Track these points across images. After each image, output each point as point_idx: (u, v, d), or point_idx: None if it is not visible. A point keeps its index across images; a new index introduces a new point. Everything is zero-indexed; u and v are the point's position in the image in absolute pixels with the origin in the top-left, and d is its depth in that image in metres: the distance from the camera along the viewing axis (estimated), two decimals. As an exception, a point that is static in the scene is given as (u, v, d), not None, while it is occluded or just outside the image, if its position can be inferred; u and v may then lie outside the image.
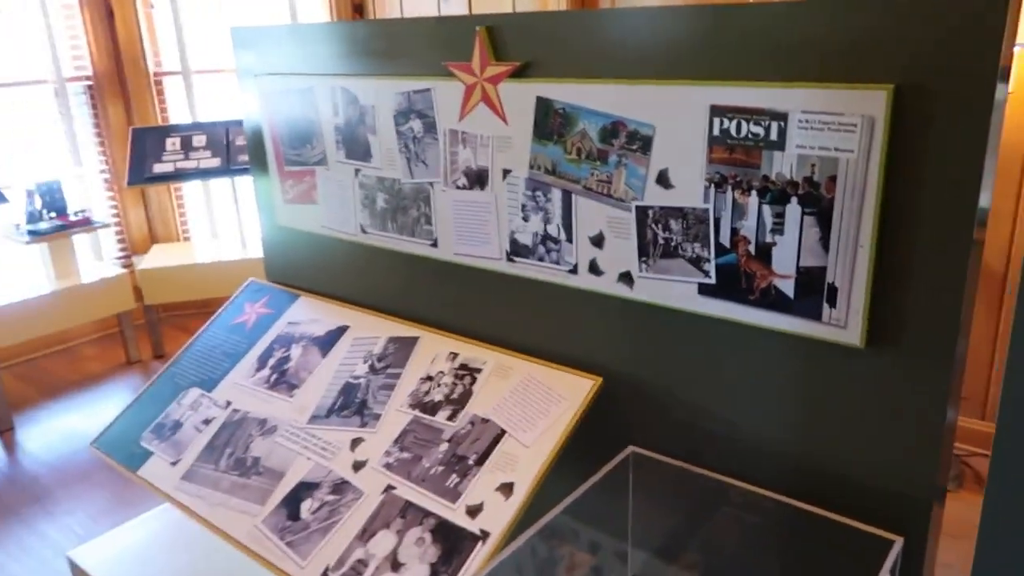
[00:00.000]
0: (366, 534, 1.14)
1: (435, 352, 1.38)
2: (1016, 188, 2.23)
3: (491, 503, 1.11)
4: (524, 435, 1.19)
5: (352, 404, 1.35)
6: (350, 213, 1.51)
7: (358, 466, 1.24)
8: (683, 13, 1.06)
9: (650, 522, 1.24)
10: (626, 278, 1.19)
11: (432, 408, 1.28)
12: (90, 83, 3.72)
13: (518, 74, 1.21)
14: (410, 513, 1.14)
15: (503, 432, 1.20)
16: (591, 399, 1.22)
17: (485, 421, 1.23)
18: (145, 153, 3.50)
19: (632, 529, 1.25)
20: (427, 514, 1.13)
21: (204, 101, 3.91)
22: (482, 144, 1.28)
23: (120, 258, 3.91)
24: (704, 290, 1.12)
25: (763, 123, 1.01)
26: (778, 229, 1.04)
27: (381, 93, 1.38)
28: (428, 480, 1.17)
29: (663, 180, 1.12)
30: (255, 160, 1.69)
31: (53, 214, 3.26)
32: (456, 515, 1.11)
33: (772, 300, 1.07)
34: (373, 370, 1.39)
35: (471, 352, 1.35)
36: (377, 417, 1.30)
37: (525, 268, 1.30)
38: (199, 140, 3.58)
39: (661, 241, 1.14)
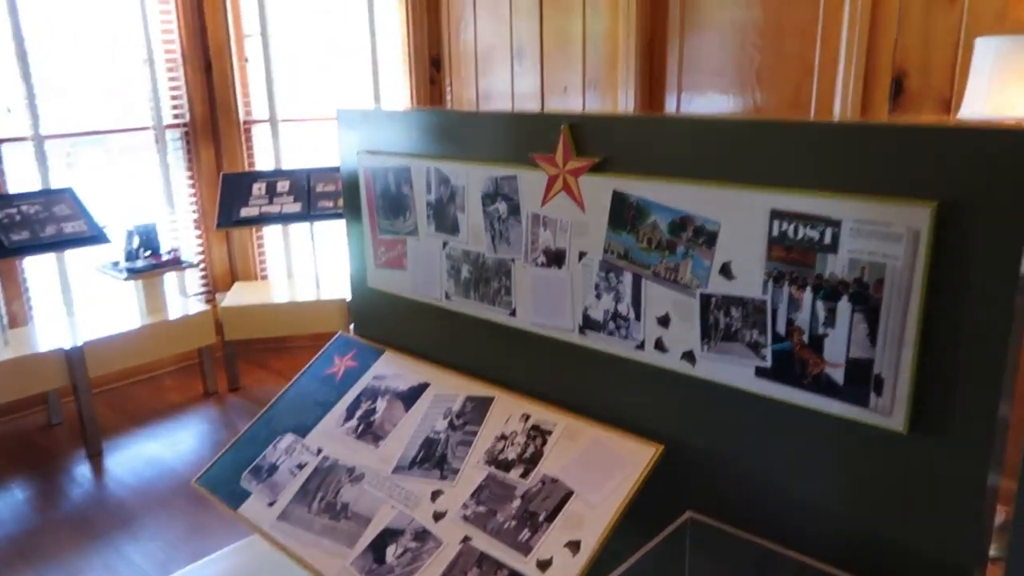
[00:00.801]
0: (445, 579, 1.26)
1: (509, 412, 1.51)
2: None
3: (560, 559, 1.23)
4: (591, 495, 1.31)
5: (432, 457, 1.48)
6: (436, 280, 1.67)
7: (438, 516, 1.37)
8: (747, 125, 1.19)
9: (704, 583, 1.33)
10: (689, 356, 1.31)
11: (506, 465, 1.41)
12: (186, 130, 4.03)
13: (597, 169, 1.36)
14: (486, 564, 1.26)
15: (571, 492, 1.32)
16: (653, 465, 1.33)
17: (555, 481, 1.35)
18: (233, 197, 3.76)
19: (687, 588, 1.34)
20: (501, 566, 1.25)
21: (289, 147, 4.18)
22: (561, 228, 1.43)
23: (203, 293, 4.17)
24: (760, 372, 1.23)
25: (818, 228, 1.13)
26: (830, 323, 1.15)
27: (471, 176, 1.54)
28: (502, 533, 1.30)
29: (726, 271, 1.24)
30: (351, 225, 1.86)
31: (148, 252, 3.53)
32: (528, 567, 1.23)
33: (823, 386, 1.17)
34: (452, 426, 1.53)
35: (543, 415, 1.48)
36: (456, 471, 1.44)
37: (595, 341, 1.43)
38: (283, 186, 3.83)
39: (722, 326, 1.26)
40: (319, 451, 1.60)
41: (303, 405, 1.73)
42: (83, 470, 3.10)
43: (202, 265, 4.15)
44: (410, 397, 1.63)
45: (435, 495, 1.41)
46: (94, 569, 2.48)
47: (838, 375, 1.15)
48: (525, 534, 1.28)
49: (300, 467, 1.57)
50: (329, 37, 4.12)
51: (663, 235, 1.30)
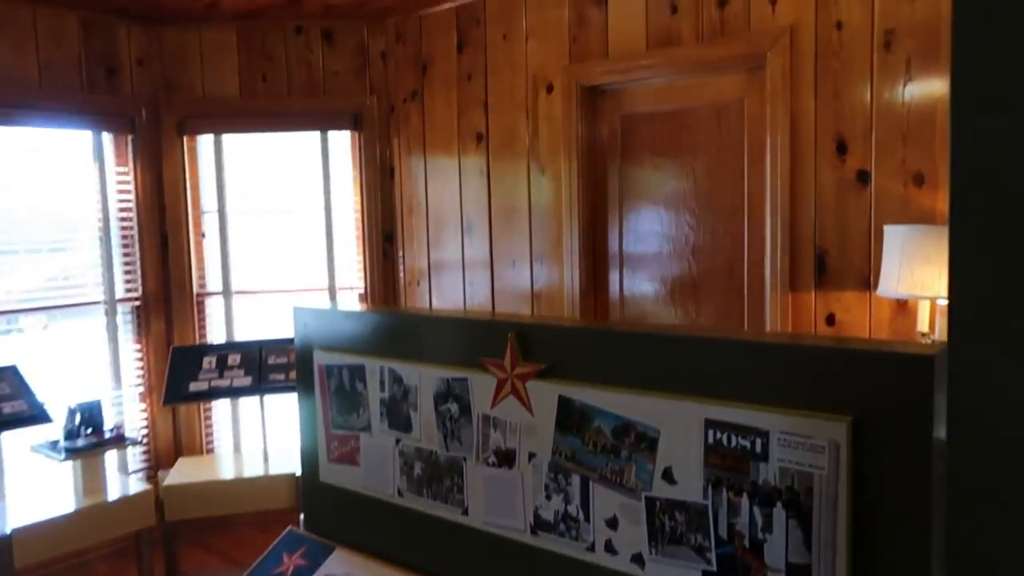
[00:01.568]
0: None
1: (463, 616, 1.49)
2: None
3: None
4: None
5: (384, 669, 1.45)
6: (389, 477, 1.69)
7: None
8: (682, 340, 1.30)
9: None
10: (638, 559, 1.34)
11: (460, 677, 1.38)
12: (138, 303, 4.05)
13: (543, 374, 1.44)
14: None
15: None
16: (608, 673, 1.32)
17: None
18: (182, 371, 3.74)
19: None
20: None
21: (242, 318, 4.22)
22: (511, 429, 1.48)
23: (145, 470, 4.04)
24: None
25: (749, 438, 1.21)
26: (768, 528, 1.20)
27: (424, 376, 1.61)
28: None
29: (668, 476, 1.30)
30: (304, 420, 1.89)
31: (90, 430, 3.44)
32: None
33: (768, 590, 1.21)
34: (405, 633, 1.50)
35: (496, 619, 1.47)
36: None
37: (547, 541, 1.45)
38: (234, 359, 3.83)
39: (668, 529, 1.30)
40: (265, 664, 1.54)
41: (250, 611, 1.67)
42: (0, 675, 2.85)
43: (146, 440, 4.05)
44: (361, 601, 1.60)
45: None
46: None
47: (780, 579, 1.20)
48: None
49: None
50: (285, 212, 4.29)
51: (608, 439, 1.36)
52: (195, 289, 4.15)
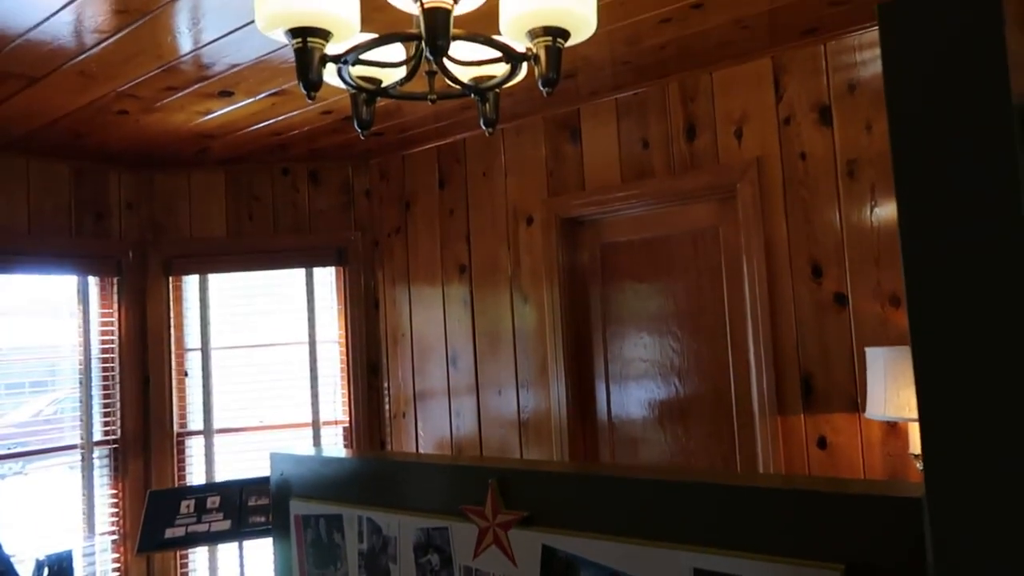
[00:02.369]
0: None
1: None
2: None
3: None
4: None
5: None
6: (368, 637, 1.60)
7: None
8: (670, 486, 1.26)
9: None
10: None
11: None
12: (115, 446, 3.95)
13: (526, 522, 1.39)
14: None
15: None
16: None
17: None
18: (158, 516, 3.59)
19: None
20: None
21: (223, 457, 4.11)
22: (494, 583, 1.42)
23: (115, 626, 3.81)
24: None
25: (742, 588, 1.16)
26: None
27: (403, 526, 1.55)
28: None
29: (660, 631, 1.23)
30: (280, 573, 1.80)
31: (58, 585, 3.26)
32: None
33: None
34: None
35: None
36: None
37: None
38: (213, 502, 3.70)
39: None
40: None
41: None
42: None
43: (118, 591, 3.84)
44: None
45: None
46: None
47: None
48: None
49: None
50: (269, 347, 4.27)
51: (595, 591, 1.30)
52: (175, 428, 4.07)
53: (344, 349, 4.24)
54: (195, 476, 4.09)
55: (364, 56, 1.39)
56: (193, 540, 3.52)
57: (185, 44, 2.47)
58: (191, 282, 4.17)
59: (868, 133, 2.72)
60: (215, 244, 4.12)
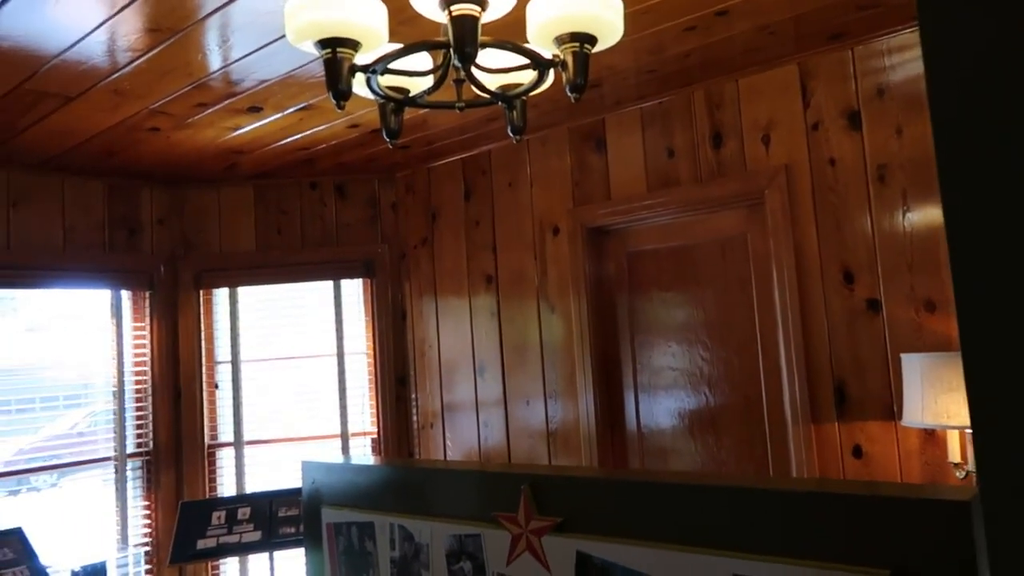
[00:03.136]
0: None
1: None
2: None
3: None
4: None
5: None
6: (401, 646, 1.59)
7: None
8: (707, 490, 1.25)
9: None
10: None
11: None
12: (148, 458, 4.00)
13: (560, 528, 1.38)
14: None
15: None
16: None
17: None
18: (190, 528, 3.63)
19: None
20: None
21: (253, 468, 4.14)
22: (528, 590, 1.41)
23: (148, 637, 3.84)
24: None
25: (782, 595, 1.14)
26: None
27: (435, 533, 1.55)
28: None
29: (698, 639, 1.21)
30: (311, 582, 1.80)
31: (93, 596, 3.30)
32: None
33: None
34: None
35: None
36: None
37: None
38: (243, 513, 3.72)
39: None
40: None
41: None
42: None
43: (151, 603, 3.87)
44: None
45: None
46: None
47: None
48: None
49: None
50: (298, 359, 4.31)
51: (631, 599, 1.29)
52: (206, 440, 4.11)
53: (372, 361, 4.26)
54: (226, 487, 4.12)
55: (392, 65, 1.40)
56: (224, 551, 3.54)
57: (215, 61, 2.51)
58: (221, 295, 4.22)
59: (898, 138, 2.69)
60: (244, 258, 4.17)
